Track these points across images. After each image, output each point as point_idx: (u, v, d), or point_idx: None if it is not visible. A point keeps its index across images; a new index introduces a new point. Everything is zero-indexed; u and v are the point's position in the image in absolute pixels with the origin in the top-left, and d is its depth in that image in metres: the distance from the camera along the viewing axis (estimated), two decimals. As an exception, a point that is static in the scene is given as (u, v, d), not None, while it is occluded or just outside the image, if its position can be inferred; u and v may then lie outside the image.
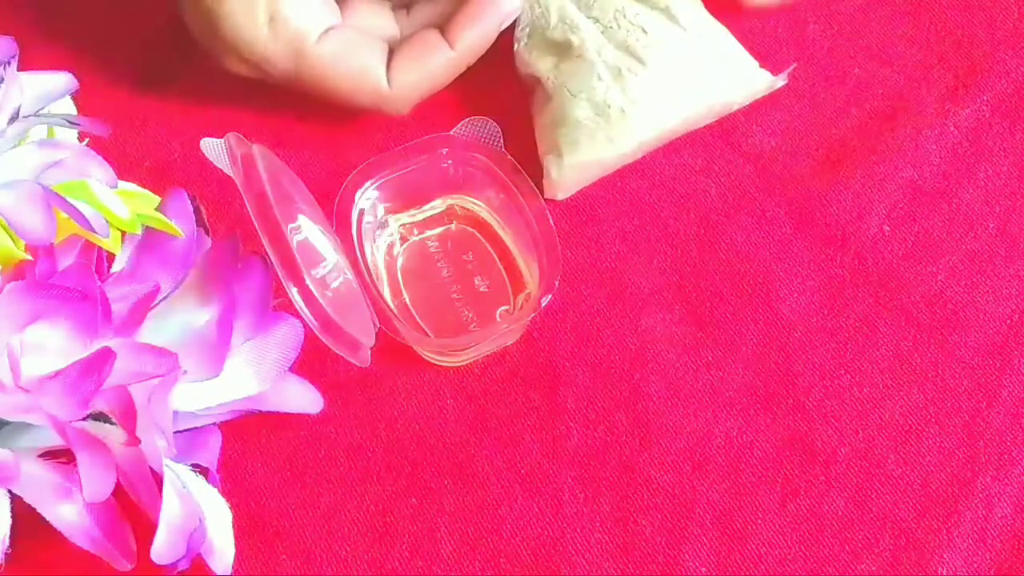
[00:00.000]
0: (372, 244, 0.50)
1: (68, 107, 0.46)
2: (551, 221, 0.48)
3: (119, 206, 0.41)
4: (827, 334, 0.49)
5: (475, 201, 0.51)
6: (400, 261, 0.50)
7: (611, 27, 0.51)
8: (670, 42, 0.51)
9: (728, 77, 0.52)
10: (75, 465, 0.39)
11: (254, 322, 0.44)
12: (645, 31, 0.50)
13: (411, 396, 0.48)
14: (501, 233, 0.50)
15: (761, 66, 0.52)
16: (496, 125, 0.50)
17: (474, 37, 0.50)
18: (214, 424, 0.44)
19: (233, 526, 0.43)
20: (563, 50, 0.51)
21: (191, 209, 0.43)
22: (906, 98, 0.53)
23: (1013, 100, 0.53)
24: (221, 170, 0.45)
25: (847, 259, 0.50)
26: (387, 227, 0.50)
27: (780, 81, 0.52)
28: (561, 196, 0.51)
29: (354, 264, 0.47)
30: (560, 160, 0.50)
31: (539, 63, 0.51)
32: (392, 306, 0.48)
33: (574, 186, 0.51)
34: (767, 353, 0.49)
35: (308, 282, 0.43)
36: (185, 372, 0.41)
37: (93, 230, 0.40)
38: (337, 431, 0.48)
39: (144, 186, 0.44)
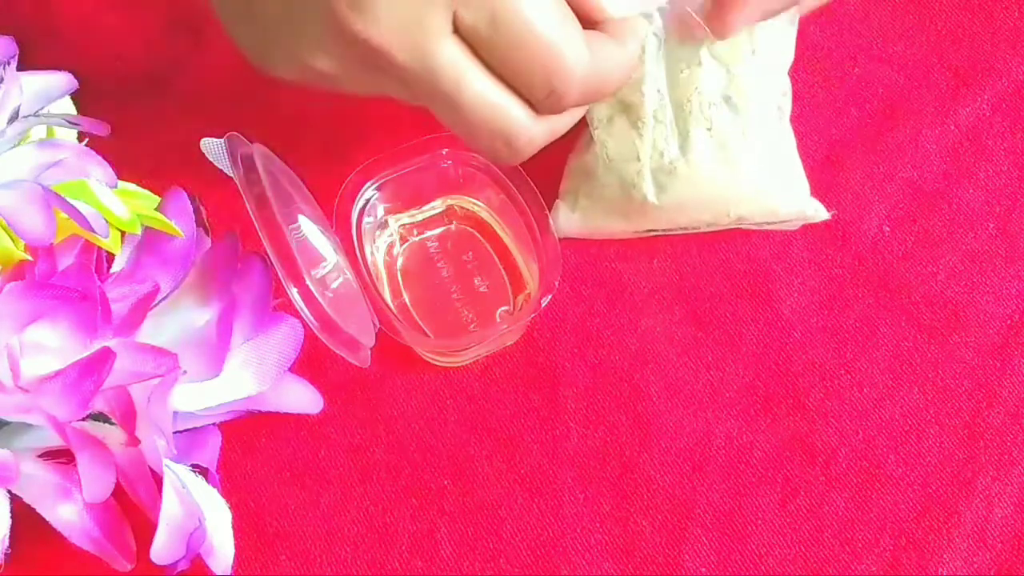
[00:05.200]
0: (372, 244, 0.50)
1: (68, 107, 0.46)
2: (551, 221, 0.48)
3: (119, 206, 0.41)
4: (827, 334, 0.49)
5: (475, 201, 0.51)
6: (400, 261, 0.50)
7: (683, 105, 0.47)
8: (728, 151, 0.47)
9: (768, 207, 0.49)
10: (75, 465, 0.39)
11: (254, 322, 0.44)
12: (710, 129, 0.47)
13: (411, 396, 0.48)
14: (501, 233, 0.50)
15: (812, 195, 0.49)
16: (496, 125, 0.50)
17: None
18: (214, 424, 0.44)
19: (233, 526, 0.43)
20: (625, 105, 0.48)
21: (191, 209, 0.43)
22: (906, 98, 0.53)
23: (1013, 100, 0.53)
24: (221, 170, 0.45)
25: (847, 259, 0.50)
26: (387, 227, 0.50)
27: (823, 215, 0.49)
28: (563, 236, 0.50)
29: (354, 264, 0.47)
30: (571, 213, 0.50)
31: (596, 105, 0.48)
32: (392, 306, 0.48)
33: (578, 234, 0.50)
34: (767, 353, 0.49)
35: (308, 282, 0.43)
36: (185, 372, 0.41)
37: (93, 230, 0.40)
38: (337, 431, 0.48)
39: (144, 186, 0.44)
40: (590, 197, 0.49)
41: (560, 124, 0.42)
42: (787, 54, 0.49)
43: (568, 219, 0.50)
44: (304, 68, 0.41)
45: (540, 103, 0.40)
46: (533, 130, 0.41)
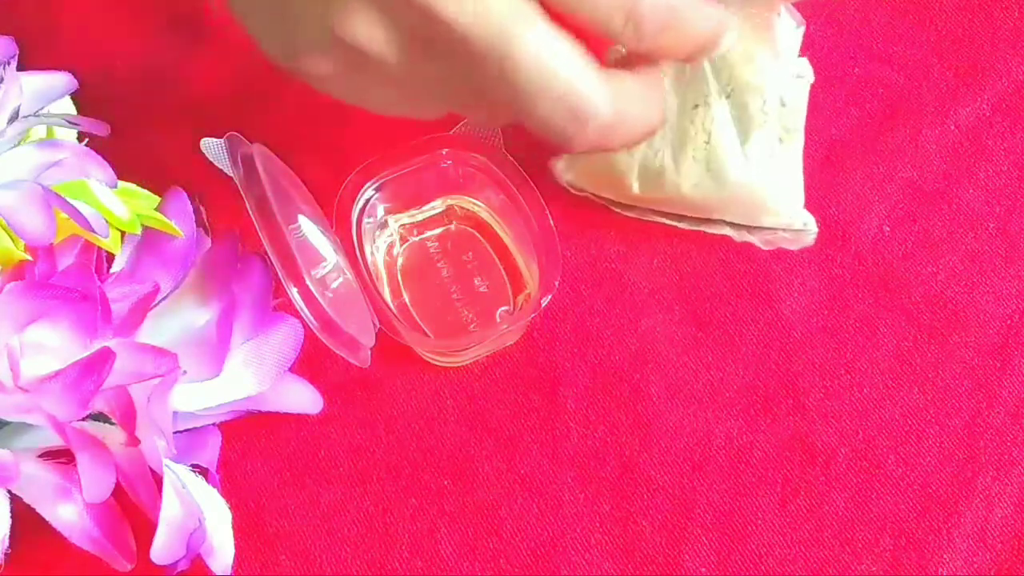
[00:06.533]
0: (372, 244, 0.50)
1: (68, 107, 0.46)
2: (551, 221, 0.48)
3: (119, 206, 0.41)
4: (827, 334, 0.49)
5: (475, 201, 0.51)
6: (400, 261, 0.50)
7: (692, 107, 0.47)
8: (721, 167, 0.47)
9: (754, 218, 0.49)
10: (75, 465, 0.39)
11: (254, 322, 0.44)
12: (708, 142, 0.47)
13: (411, 396, 0.48)
14: (501, 233, 0.50)
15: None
16: (496, 125, 0.50)
17: None
18: (214, 424, 0.44)
19: (233, 526, 0.43)
20: None
21: (191, 209, 0.43)
22: (906, 98, 0.53)
23: (1013, 100, 0.53)
24: (221, 170, 0.45)
25: (847, 259, 0.50)
26: (387, 227, 0.50)
27: (810, 238, 0.49)
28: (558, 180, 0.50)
29: (354, 264, 0.47)
30: (566, 172, 0.50)
31: None
32: (392, 306, 0.48)
33: (574, 182, 0.50)
34: (767, 353, 0.49)
35: (308, 282, 0.43)
36: (185, 372, 0.41)
37: (93, 230, 0.40)
38: (337, 431, 0.48)
39: (144, 186, 0.44)
40: (586, 165, 0.50)
41: (633, 100, 0.37)
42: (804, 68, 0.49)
43: (564, 172, 0.50)
44: (336, 43, 0.36)
45: (619, 33, 0.35)
46: (602, 98, 0.36)
